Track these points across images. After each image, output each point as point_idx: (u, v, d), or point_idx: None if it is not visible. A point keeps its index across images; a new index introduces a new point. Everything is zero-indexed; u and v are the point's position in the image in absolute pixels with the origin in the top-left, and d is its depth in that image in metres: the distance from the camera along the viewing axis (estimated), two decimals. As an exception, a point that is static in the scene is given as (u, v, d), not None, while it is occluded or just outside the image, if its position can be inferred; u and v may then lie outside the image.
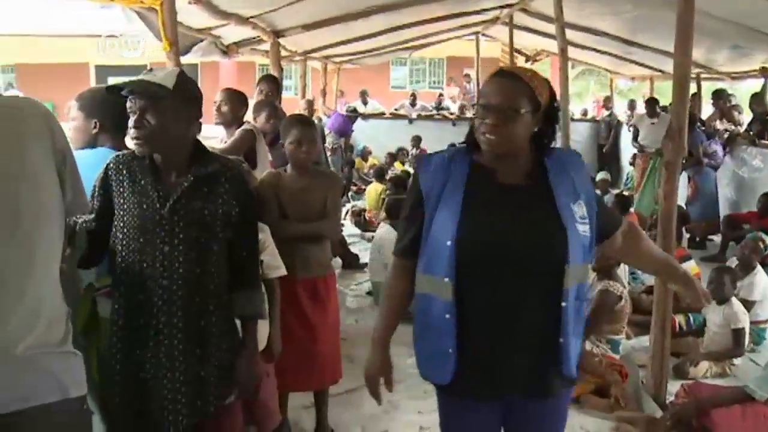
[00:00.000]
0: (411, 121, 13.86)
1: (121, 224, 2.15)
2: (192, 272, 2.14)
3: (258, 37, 7.13)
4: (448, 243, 1.85)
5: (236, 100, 4.47)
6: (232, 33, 6.80)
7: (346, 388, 3.93)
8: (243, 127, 4.32)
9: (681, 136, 3.91)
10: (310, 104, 8.69)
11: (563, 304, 1.86)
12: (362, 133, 12.62)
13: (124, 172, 2.17)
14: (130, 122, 2.10)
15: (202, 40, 6.29)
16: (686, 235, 7.31)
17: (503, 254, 1.87)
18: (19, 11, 11.52)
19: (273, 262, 2.96)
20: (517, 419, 2.07)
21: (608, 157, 12.60)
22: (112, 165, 2.19)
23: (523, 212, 1.91)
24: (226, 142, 4.34)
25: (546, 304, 1.88)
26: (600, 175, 9.42)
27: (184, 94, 2.12)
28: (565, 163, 1.98)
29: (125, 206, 2.14)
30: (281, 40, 7.66)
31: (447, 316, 1.88)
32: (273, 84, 5.67)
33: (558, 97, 2.04)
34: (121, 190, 2.16)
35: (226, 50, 7.05)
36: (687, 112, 3.90)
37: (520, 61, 14.88)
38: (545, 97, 1.90)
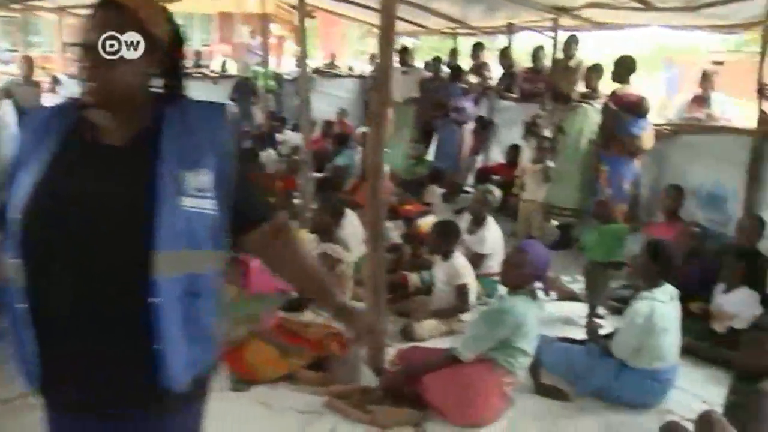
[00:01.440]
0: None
1: None
2: None
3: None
4: (16, 216, 1.47)
5: None
6: None
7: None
8: None
9: (386, 86, 3.70)
10: (29, 61, 7.61)
11: (153, 300, 1.45)
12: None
13: None
14: None
15: None
16: (440, 191, 7.31)
17: (72, 234, 1.45)
18: None
19: None
20: None
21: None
22: None
23: (107, 181, 1.49)
24: None
25: (135, 300, 1.45)
26: (360, 130, 9.23)
27: None
28: (192, 119, 1.56)
29: None
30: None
31: (21, 305, 1.48)
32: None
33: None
34: None
35: None
36: (391, 62, 3.70)
37: (295, 18, 14.44)
38: (163, 33, 1.53)
